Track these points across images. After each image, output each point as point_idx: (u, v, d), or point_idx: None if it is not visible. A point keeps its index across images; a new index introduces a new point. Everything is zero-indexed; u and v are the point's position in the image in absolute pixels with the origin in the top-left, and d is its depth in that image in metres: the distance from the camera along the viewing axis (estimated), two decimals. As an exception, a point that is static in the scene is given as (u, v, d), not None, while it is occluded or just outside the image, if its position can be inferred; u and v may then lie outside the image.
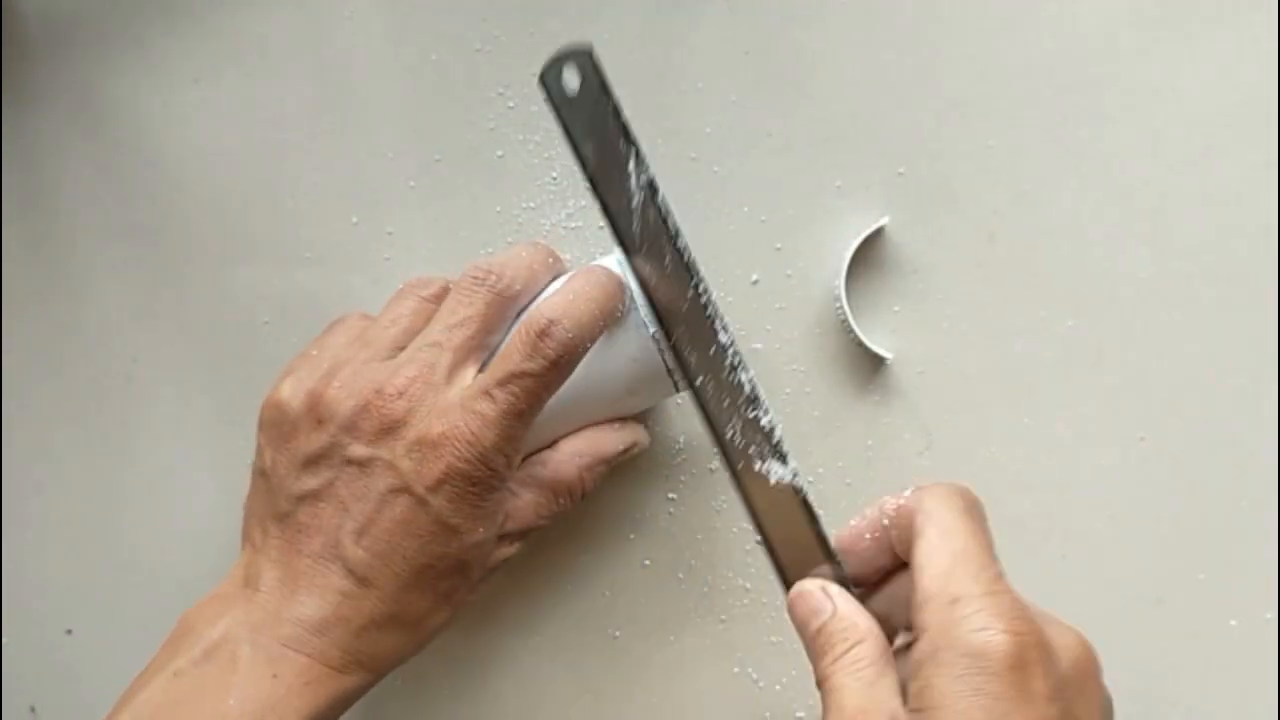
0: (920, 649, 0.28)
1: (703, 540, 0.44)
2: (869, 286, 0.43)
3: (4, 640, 0.50)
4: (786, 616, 0.33)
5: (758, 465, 0.34)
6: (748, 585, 0.44)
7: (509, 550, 0.39)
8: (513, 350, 0.36)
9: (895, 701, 0.29)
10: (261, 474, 0.39)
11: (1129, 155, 0.41)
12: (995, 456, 0.43)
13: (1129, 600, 0.42)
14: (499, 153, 0.45)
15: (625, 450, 0.41)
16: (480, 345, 0.38)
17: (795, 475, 0.33)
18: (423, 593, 0.36)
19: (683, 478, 0.44)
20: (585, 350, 0.36)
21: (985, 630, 0.27)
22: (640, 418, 0.43)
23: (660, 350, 0.37)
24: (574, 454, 0.40)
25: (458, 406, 0.36)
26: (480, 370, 0.38)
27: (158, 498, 0.48)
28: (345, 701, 0.36)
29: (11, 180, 0.49)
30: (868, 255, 0.43)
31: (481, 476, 0.35)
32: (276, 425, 0.38)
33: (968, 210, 0.42)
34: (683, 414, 0.44)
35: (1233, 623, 0.42)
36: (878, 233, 0.42)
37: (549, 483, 0.39)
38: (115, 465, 0.49)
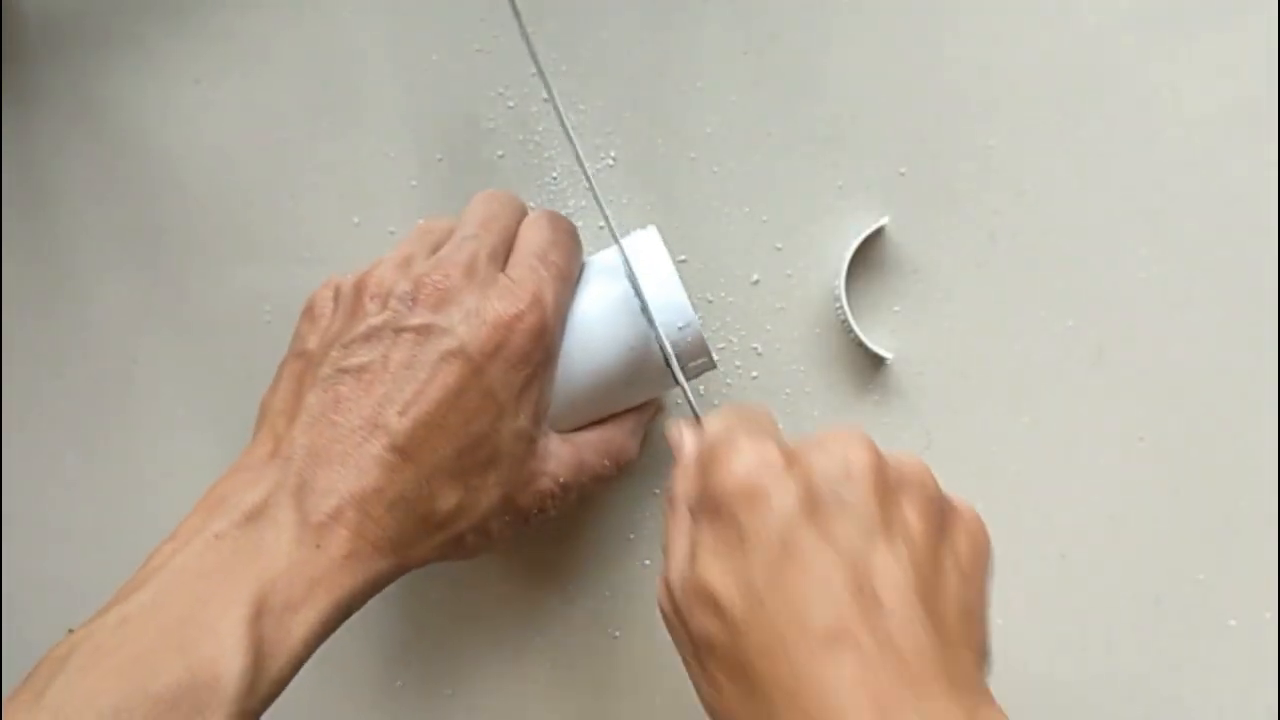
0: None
1: (703, 540, 0.44)
2: (869, 286, 0.43)
3: (4, 640, 0.50)
4: None
5: None
6: (748, 585, 0.44)
7: (549, 484, 0.39)
8: (537, 231, 0.39)
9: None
10: (300, 355, 0.38)
11: (1129, 155, 0.41)
12: (995, 456, 0.43)
13: (1129, 600, 0.42)
14: (499, 153, 0.45)
15: (654, 414, 0.43)
16: (508, 245, 0.39)
17: None
18: (454, 483, 0.36)
19: (683, 478, 0.44)
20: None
21: (699, 483, 0.31)
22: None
23: (658, 340, 0.37)
24: (615, 422, 0.41)
25: (510, 277, 0.37)
26: None
27: (158, 498, 0.48)
28: (378, 585, 0.36)
29: (11, 180, 0.49)
30: (868, 255, 0.43)
31: (536, 343, 0.36)
32: (327, 312, 0.38)
33: (968, 210, 0.42)
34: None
35: (1233, 623, 0.42)
36: (878, 233, 0.42)
37: (594, 439, 0.40)
38: (115, 465, 0.49)
